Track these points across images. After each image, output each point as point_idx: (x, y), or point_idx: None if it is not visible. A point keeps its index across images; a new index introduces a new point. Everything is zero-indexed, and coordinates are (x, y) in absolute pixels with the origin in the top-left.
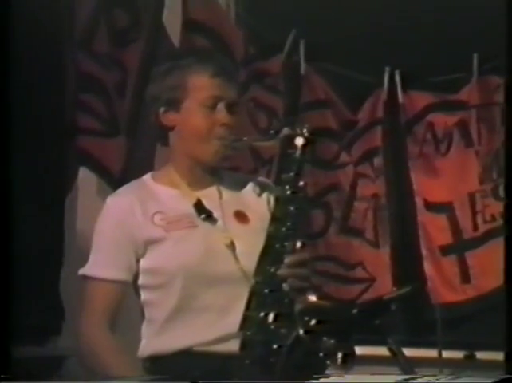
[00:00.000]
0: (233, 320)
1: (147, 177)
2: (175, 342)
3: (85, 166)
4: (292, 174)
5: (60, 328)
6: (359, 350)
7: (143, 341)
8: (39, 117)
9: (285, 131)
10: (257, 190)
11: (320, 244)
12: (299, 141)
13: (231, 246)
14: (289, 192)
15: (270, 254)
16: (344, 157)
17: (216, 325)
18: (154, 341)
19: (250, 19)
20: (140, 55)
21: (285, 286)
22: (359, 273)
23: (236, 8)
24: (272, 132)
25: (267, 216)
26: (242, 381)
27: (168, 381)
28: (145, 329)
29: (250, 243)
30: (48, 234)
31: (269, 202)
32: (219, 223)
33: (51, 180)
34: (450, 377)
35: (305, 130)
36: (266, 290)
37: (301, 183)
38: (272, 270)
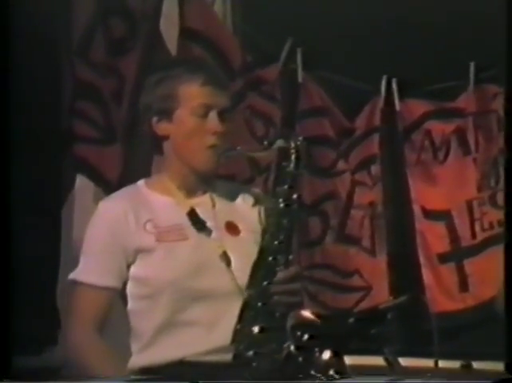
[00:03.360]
0: (223, 334)
1: (141, 183)
2: (164, 355)
3: (82, 173)
4: (286, 187)
5: (56, 338)
6: (355, 360)
7: (133, 357)
8: (36, 125)
9: (279, 143)
10: (250, 201)
11: (317, 252)
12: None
13: (224, 256)
14: (282, 205)
15: (263, 267)
16: (341, 165)
17: (206, 339)
18: (143, 354)
19: (246, 28)
20: (137, 63)
21: (276, 300)
22: (355, 281)
23: (233, 17)
24: (266, 143)
25: (258, 228)
26: (241, 381)
27: (165, 381)
28: (133, 343)
29: (242, 255)
30: (45, 243)
31: (260, 213)
32: (212, 233)
33: (48, 188)
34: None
35: (298, 142)
36: (259, 304)
37: (295, 195)
38: (264, 283)
